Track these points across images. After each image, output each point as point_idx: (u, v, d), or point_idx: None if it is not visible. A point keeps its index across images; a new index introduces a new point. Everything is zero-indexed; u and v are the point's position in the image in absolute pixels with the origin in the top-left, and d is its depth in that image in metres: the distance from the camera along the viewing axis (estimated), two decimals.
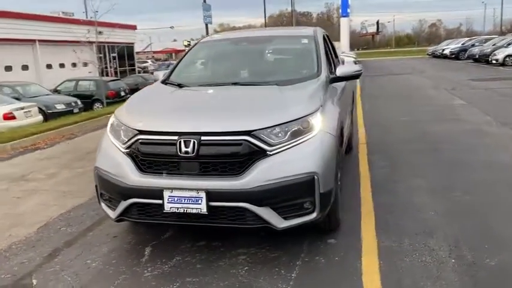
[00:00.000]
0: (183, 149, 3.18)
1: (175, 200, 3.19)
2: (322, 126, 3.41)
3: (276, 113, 3.37)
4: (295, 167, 3.18)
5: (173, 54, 68.67)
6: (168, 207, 3.21)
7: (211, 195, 3.13)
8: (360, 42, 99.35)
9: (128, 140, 3.41)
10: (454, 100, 11.78)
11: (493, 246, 3.42)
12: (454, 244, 3.48)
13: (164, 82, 4.52)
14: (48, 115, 14.17)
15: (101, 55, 29.72)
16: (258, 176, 3.12)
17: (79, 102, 15.88)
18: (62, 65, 28.78)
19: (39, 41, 26.84)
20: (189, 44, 71.32)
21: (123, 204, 3.37)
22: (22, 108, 12.39)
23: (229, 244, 3.68)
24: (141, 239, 3.91)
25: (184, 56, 5.00)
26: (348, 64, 4.75)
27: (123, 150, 3.43)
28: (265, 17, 36.15)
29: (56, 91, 17.95)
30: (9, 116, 11.90)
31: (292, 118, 3.31)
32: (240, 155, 3.15)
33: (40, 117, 13.15)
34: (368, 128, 8.39)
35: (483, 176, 5.13)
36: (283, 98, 3.68)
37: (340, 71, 4.40)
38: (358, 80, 19.91)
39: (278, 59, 4.78)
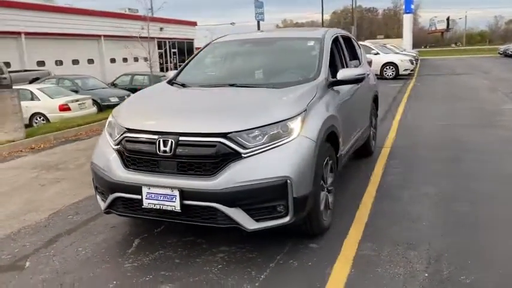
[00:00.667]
0: (162, 148, 3.32)
1: (153, 196, 3.35)
2: (302, 131, 3.42)
3: (256, 115, 3.42)
4: (267, 171, 3.22)
5: None
6: (146, 203, 3.37)
7: (184, 193, 3.25)
8: (428, 39, 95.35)
9: (118, 137, 3.61)
10: (506, 105, 11.08)
11: (477, 263, 3.27)
12: (435, 258, 3.36)
13: (171, 82, 4.69)
14: (103, 107, 15.00)
15: (162, 51, 30.99)
16: (230, 177, 3.19)
17: (132, 95, 16.62)
18: (124, 60, 30.20)
19: (104, 36, 28.38)
20: None
21: (110, 198, 3.58)
22: (77, 101, 13.23)
23: (213, 241, 3.79)
24: (135, 230, 4.12)
25: (195, 55, 5.16)
26: (350, 68, 4.66)
27: (114, 147, 3.64)
28: (322, 14, 35.64)
29: (113, 84, 18.92)
30: (64, 107, 12.75)
31: (271, 121, 3.35)
32: (214, 156, 3.24)
33: (94, 109, 13.96)
34: (400, 132, 8.14)
35: (495, 190, 4.84)
36: (268, 101, 3.72)
37: (341, 74, 4.34)
38: (413, 80, 19.35)
39: (280, 61, 4.79)
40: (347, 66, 5.14)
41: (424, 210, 4.33)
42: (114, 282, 3.24)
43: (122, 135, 3.58)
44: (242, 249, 3.65)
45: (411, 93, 14.54)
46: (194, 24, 38.59)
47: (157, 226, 4.15)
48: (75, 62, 27.40)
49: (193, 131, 3.33)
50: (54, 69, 23.97)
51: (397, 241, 3.66)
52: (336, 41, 5.15)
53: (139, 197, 3.39)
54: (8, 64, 22.40)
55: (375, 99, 6.51)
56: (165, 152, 3.31)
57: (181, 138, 3.31)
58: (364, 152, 6.29)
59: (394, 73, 20.31)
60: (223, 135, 3.25)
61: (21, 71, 21.46)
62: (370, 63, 6.91)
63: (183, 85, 4.52)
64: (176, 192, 3.26)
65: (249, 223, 3.25)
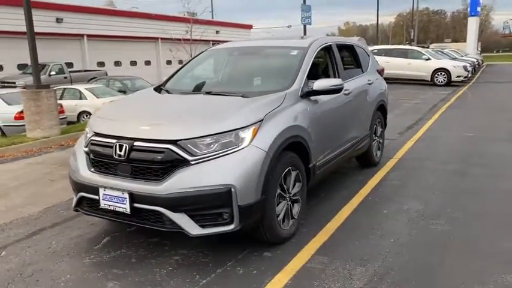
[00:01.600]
0: (117, 152, 3.51)
1: (108, 198, 3.54)
2: (253, 140, 3.46)
3: (209, 124, 3.51)
4: (212, 178, 3.30)
5: None
6: (102, 203, 3.57)
7: (134, 196, 3.41)
8: (502, 43, 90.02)
9: (87, 140, 3.85)
10: None
11: (422, 286, 3.14)
12: (380, 276, 3.27)
13: (158, 87, 4.89)
14: None
15: None
16: (175, 183, 3.31)
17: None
18: (180, 62, 31.20)
19: (161, 39, 29.51)
20: None
21: (76, 197, 3.82)
22: None
23: (177, 244, 3.91)
24: (109, 229, 4.33)
25: (188, 62, 5.32)
26: (328, 79, 4.58)
27: (84, 148, 3.88)
28: (377, 16, 34.75)
29: None
30: None
31: (221, 130, 3.43)
32: (163, 162, 3.37)
33: None
34: (419, 143, 7.85)
35: (486, 209, 4.59)
36: (228, 109, 3.79)
37: (316, 85, 4.31)
38: (466, 87, 18.40)
39: (260, 70, 4.83)
40: (338, 76, 5.09)
41: (399, 225, 4.20)
42: (68, 276, 3.45)
43: (90, 137, 3.81)
44: (199, 253, 3.74)
45: (455, 101, 13.87)
46: (250, 27, 39.15)
47: (131, 226, 4.34)
48: (133, 63, 28.79)
49: (146, 137, 3.48)
50: (114, 70, 25.37)
51: (352, 256, 3.59)
52: (327, 50, 5.11)
53: (97, 197, 3.60)
54: (71, 64, 24.11)
55: (381, 108, 6.34)
56: (120, 155, 3.49)
57: (135, 143, 3.47)
58: (366, 162, 6.17)
59: (445, 79, 19.43)
60: (173, 142, 3.37)
61: (82, 71, 22.93)
62: (381, 71, 6.74)
63: (167, 91, 4.69)
64: (126, 195, 3.42)
65: (192, 228, 3.34)
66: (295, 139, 3.90)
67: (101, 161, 3.67)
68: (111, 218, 3.70)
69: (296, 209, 4.05)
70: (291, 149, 3.89)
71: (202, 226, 3.36)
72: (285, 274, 3.35)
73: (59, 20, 23.94)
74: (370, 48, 17.89)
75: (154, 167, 3.41)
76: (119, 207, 3.48)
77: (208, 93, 4.36)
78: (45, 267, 3.59)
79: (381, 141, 6.49)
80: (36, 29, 22.35)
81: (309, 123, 4.18)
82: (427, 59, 19.73)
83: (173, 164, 3.36)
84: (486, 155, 6.81)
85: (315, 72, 4.79)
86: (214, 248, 3.81)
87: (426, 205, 4.70)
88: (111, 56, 26.99)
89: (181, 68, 5.22)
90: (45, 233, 4.31)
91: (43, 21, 22.91)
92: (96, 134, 3.76)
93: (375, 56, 6.90)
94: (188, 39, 18.82)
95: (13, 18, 20.95)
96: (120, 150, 3.49)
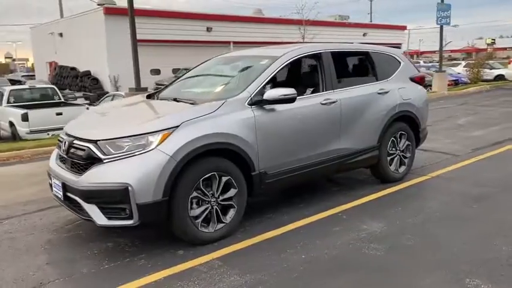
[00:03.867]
0: (62, 147, 4.18)
1: (54, 185, 4.24)
2: (160, 145, 3.74)
3: (127, 127, 3.96)
4: (114, 176, 3.71)
5: (473, 53, 63.19)
6: (53, 190, 4.28)
7: (65, 186, 4.03)
8: None
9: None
10: None
11: None
12: None
13: (151, 94, 5.46)
14: None
15: None
16: (88, 177, 3.81)
17: None
18: None
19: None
20: (493, 42, 63.82)
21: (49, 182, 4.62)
22: None
23: (121, 235, 4.38)
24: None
25: (192, 69, 5.77)
26: (280, 88, 4.44)
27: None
28: None
29: None
30: None
31: (133, 133, 3.81)
32: (84, 158, 3.91)
33: None
34: (485, 161, 6.82)
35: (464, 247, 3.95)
36: (156, 114, 4.15)
37: (266, 94, 4.33)
38: None
39: (227, 78, 4.97)
40: (324, 85, 4.97)
41: (315, 251, 3.96)
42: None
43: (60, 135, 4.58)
44: (127, 245, 4.12)
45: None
46: (403, 28, 37.18)
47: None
48: None
49: (80, 136, 4.08)
50: None
51: (244, 267, 3.59)
52: (316, 58, 5.04)
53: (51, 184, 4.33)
54: None
55: (404, 119, 5.77)
56: (63, 150, 4.16)
57: (75, 141, 4.09)
58: (380, 177, 5.73)
59: None
60: (94, 141, 3.88)
61: None
62: (419, 79, 6.12)
63: (157, 97, 5.21)
64: (61, 184, 4.06)
65: (100, 219, 3.79)
66: (221, 146, 4.02)
67: (59, 155, 4.40)
68: (59, 202, 4.36)
69: (230, 214, 4.16)
70: (219, 155, 4.03)
71: (109, 218, 3.78)
72: (168, 271, 3.56)
73: (208, 29, 26.57)
74: None
75: (80, 163, 3.97)
76: (58, 194, 4.14)
77: (174, 99, 4.73)
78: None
79: (407, 155, 5.92)
80: (188, 38, 25.20)
81: (252, 131, 4.22)
82: None
83: (91, 161, 3.86)
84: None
85: (290, 81, 4.78)
86: (145, 243, 4.15)
87: (390, 226, 4.26)
88: None
89: (182, 76, 5.70)
90: (23, 218, 4.99)
91: (194, 30, 25.80)
92: (65, 133, 4.49)
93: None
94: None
95: (167, 29, 24.13)
96: (65, 146, 4.15)
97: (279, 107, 4.47)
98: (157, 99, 5.12)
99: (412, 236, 4.08)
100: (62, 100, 14.30)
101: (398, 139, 5.78)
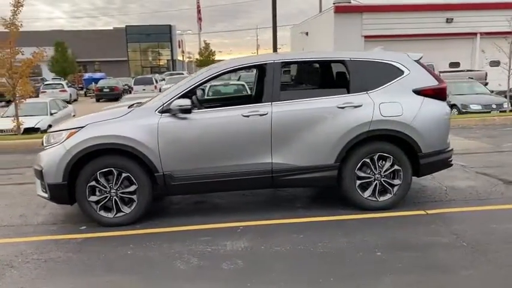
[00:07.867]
0: None
1: None
2: (65, 141, 4.75)
3: (63, 124, 5.10)
4: (41, 159, 4.92)
5: None
6: None
7: None
8: None
9: None
10: None
11: None
12: None
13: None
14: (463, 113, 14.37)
15: None
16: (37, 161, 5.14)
17: (506, 104, 14.67)
18: None
19: None
20: None
21: None
22: None
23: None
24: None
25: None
26: (180, 99, 4.52)
27: None
28: None
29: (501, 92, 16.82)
30: None
31: (57, 129, 4.99)
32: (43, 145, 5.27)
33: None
34: None
35: None
36: (86, 115, 5.14)
37: (172, 104, 4.73)
38: None
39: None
40: (265, 97, 4.95)
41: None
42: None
43: None
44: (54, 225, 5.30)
45: None
46: None
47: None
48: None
49: (50, 130, 5.44)
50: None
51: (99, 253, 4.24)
52: (260, 69, 4.99)
53: None
54: (457, 64, 24.09)
55: (390, 139, 4.90)
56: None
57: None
58: (348, 201, 5.00)
59: None
60: (48, 133, 5.19)
61: (464, 70, 22.06)
62: (432, 92, 4.90)
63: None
64: None
65: (38, 190, 5.05)
66: (113, 146, 4.69)
67: None
68: None
69: (131, 206, 4.80)
70: (122, 154, 4.72)
71: (43, 191, 5.00)
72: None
73: (448, 20, 24.13)
74: None
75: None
76: None
77: (132, 105, 5.55)
78: None
79: (394, 182, 4.90)
80: (425, 31, 23.69)
81: (153, 136, 4.68)
82: None
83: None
84: None
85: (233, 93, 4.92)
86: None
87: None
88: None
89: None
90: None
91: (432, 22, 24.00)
92: None
93: None
94: None
95: (397, 23, 23.33)
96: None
97: (195, 116, 4.75)
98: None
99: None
100: None
101: (377, 162, 4.88)
